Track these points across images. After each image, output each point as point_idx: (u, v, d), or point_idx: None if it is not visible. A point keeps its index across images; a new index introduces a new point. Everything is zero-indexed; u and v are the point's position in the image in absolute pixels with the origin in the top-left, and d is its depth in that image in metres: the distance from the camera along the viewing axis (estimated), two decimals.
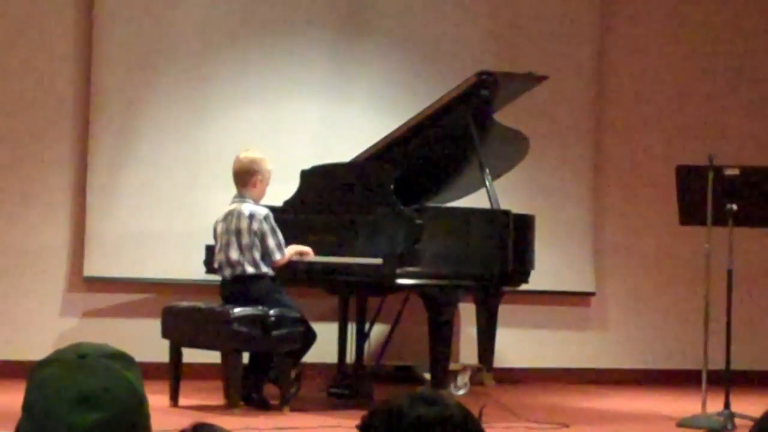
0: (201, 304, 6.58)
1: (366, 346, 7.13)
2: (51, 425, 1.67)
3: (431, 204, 7.08)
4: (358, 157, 7.30)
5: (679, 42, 8.79)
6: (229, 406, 6.30)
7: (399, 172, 6.79)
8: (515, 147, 7.28)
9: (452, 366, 7.20)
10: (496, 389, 7.74)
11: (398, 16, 8.20)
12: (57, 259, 7.77)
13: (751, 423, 2.16)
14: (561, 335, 8.56)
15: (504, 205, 6.79)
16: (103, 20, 7.78)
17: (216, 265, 6.68)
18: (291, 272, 6.69)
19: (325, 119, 8.08)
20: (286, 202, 7.17)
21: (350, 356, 7.13)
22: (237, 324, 6.28)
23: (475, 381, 7.74)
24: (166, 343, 6.59)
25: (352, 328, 7.14)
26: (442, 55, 8.22)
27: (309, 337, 6.56)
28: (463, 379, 7.61)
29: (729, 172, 6.42)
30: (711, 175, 6.38)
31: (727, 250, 6.43)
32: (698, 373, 6.49)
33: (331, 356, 7.24)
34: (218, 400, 6.53)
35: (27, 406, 1.71)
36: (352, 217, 6.73)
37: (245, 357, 6.54)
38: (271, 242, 6.52)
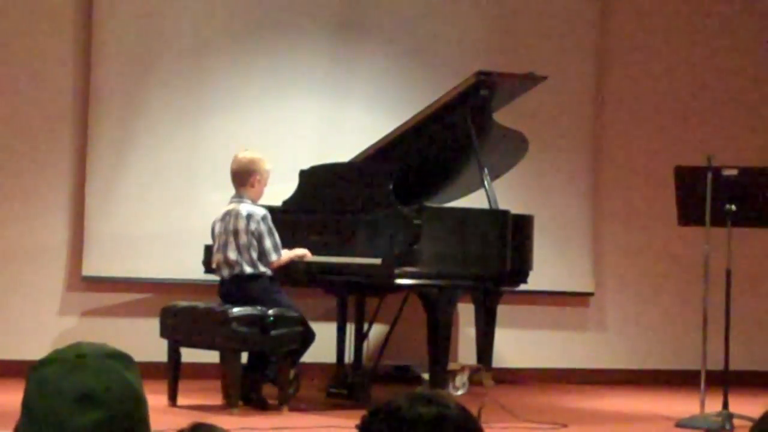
0: (200, 304, 6.58)
1: (365, 346, 7.13)
2: (50, 425, 1.67)
3: (430, 204, 7.08)
4: (357, 157, 7.31)
5: (678, 42, 8.79)
6: (228, 405, 6.30)
7: (398, 172, 6.79)
8: (514, 147, 7.28)
9: (451, 366, 7.20)
10: (494, 389, 7.74)
11: (397, 16, 8.20)
12: (56, 259, 7.77)
13: (749, 423, 2.17)
14: (559, 335, 8.56)
15: (503, 206, 6.79)
16: (102, 23, 7.77)
17: (214, 265, 6.68)
18: (289, 272, 6.68)
19: (324, 119, 8.08)
20: (285, 202, 7.16)
21: (349, 356, 7.13)
22: (236, 324, 6.28)
23: (474, 381, 7.74)
24: (164, 343, 6.59)
25: (350, 328, 7.14)
26: (442, 56, 8.21)
27: (308, 337, 6.56)
28: (461, 379, 7.61)
29: (727, 172, 6.42)
30: (710, 176, 6.38)
31: (725, 250, 6.43)
32: (697, 373, 6.48)
33: (329, 356, 7.24)
34: (217, 399, 6.53)
35: (26, 406, 1.71)
36: (350, 217, 6.73)
37: (244, 357, 6.54)
38: (267, 243, 6.52)
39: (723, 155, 6.94)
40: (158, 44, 7.86)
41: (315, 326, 6.68)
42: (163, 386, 6.44)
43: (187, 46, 7.90)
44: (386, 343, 7.42)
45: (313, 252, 6.70)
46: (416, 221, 6.43)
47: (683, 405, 6.83)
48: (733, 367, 6.51)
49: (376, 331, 7.45)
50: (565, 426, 6.24)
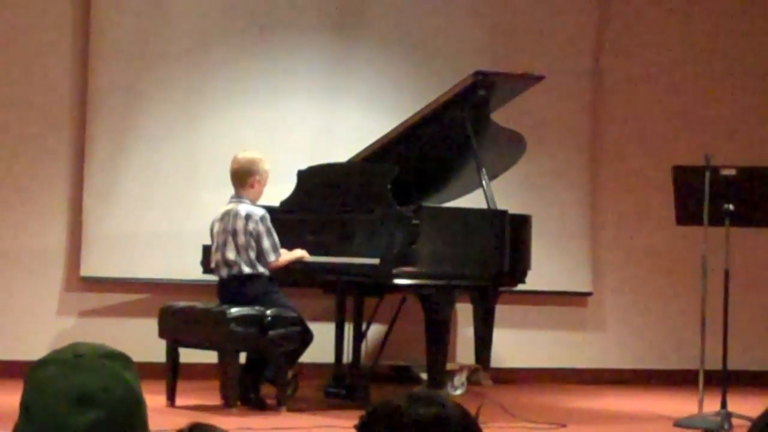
0: (198, 304, 6.58)
1: (363, 346, 7.13)
2: (48, 425, 1.67)
3: (428, 204, 7.07)
4: (355, 157, 7.31)
5: (678, 42, 8.79)
6: (226, 406, 6.30)
7: (396, 172, 6.79)
8: (512, 147, 7.28)
9: (449, 366, 7.20)
10: (493, 389, 7.74)
11: (395, 16, 8.20)
12: (54, 259, 7.76)
13: (747, 423, 2.17)
14: (558, 335, 8.56)
15: (501, 205, 6.79)
16: (100, 23, 7.77)
17: (212, 265, 6.68)
18: (288, 272, 6.69)
19: (322, 119, 8.08)
20: (283, 202, 7.16)
21: (347, 356, 7.13)
22: (234, 324, 6.28)
23: (472, 381, 7.74)
24: (163, 343, 6.59)
25: (349, 328, 7.13)
26: (440, 55, 8.21)
27: (306, 337, 6.56)
28: (460, 379, 7.61)
29: (726, 172, 6.42)
30: (708, 176, 6.38)
31: (723, 250, 6.43)
32: (695, 372, 6.49)
33: (328, 356, 7.24)
34: (215, 400, 6.53)
35: (24, 406, 1.71)
36: (349, 217, 6.73)
37: (242, 357, 6.54)
38: (266, 243, 6.53)
39: (721, 155, 6.93)
40: (157, 45, 7.86)
41: (313, 326, 6.68)
42: (161, 386, 6.44)
43: (185, 46, 7.90)
44: (385, 343, 7.42)
45: (312, 252, 6.70)
46: (414, 221, 6.43)
47: (681, 404, 6.83)
48: (731, 366, 6.51)
49: (375, 331, 7.45)
50: (563, 426, 6.24)
